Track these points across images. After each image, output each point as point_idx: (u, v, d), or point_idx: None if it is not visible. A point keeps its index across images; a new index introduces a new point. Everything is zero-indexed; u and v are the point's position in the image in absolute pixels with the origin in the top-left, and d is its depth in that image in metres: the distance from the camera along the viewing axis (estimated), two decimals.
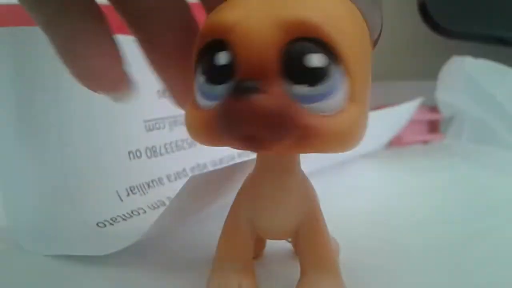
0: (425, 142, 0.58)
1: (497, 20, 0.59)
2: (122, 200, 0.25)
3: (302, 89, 0.13)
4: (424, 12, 0.61)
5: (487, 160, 0.44)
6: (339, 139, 0.14)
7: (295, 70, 0.13)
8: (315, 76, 0.13)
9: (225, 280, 0.17)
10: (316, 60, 0.13)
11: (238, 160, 0.32)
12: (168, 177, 0.28)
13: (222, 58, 0.13)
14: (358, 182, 0.39)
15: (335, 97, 0.13)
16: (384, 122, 0.44)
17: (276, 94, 0.13)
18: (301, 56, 0.13)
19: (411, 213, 0.29)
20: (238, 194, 0.17)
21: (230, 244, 0.17)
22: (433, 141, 0.58)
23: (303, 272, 0.17)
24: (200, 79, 0.14)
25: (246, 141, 0.13)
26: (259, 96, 0.13)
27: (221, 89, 0.14)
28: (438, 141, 0.57)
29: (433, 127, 0.60)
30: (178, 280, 0.19)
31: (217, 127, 0.14)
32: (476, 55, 0.52)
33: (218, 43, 0.14)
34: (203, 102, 0.14)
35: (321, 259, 0.17)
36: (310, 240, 0.17)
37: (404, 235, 0.25)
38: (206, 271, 0.18)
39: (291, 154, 0.15)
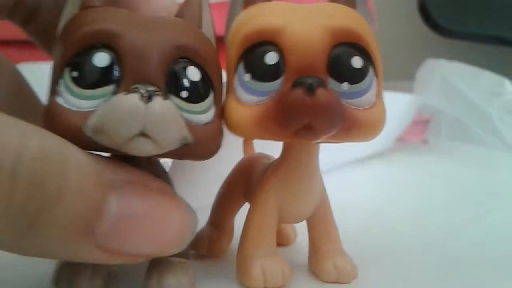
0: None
1: (497, 20, 0.59)
2: None
3: (345, 87, 0.15)
4: (424, 12, 0.62)
5: (465, 157, 0.46)
6: (373, 129, 0.16)
7: (341, 70, 0.15)
8: (358, 76, 0.15)
9: (267, 265, 0.17)
10: (359, 62, 0.15)
11: None
12: None
13: (273, 57, 0.15)
14: (346, 179, 0.39)
15: (369, 94, 0.16)
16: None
17: (329, 90, 0.15)
18: (348, 58, 0.15)
19: (395, 207, 0.31)
20: (266, 185, 0.18)
21: (263, 232, 0.18)
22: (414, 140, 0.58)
23: (315, 249, 0.19)
24: (245, 76, 0.15)
25: (303, 131, 0.15)
26: (322, 91, 0.14)
27: (270, 85, 0.15)
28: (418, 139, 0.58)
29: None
30: None
31: (275, 119, 0.15)
32: (476, 55, 0.52)
33: (265, 45, 0.15)
34: (248, 98, 0.15)
35: (333, 238, 0.19)
36: (323, 222, 0.19)
37: (393, 227, 0.26)
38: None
39: (332, 142, 0.17)
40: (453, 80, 0.49)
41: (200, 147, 0.15)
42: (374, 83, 0.16)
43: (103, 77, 0.14)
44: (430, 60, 0.52)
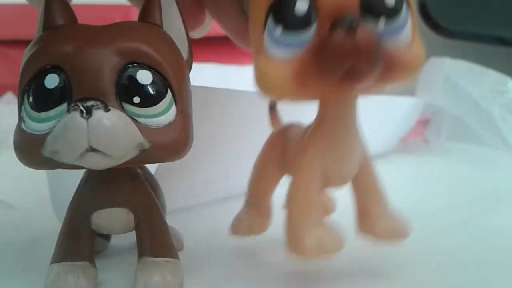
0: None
1: (497, 20, 0.59)
2: None
3: (381, 23, 0.14)
4: (424, 12, 0.62)
5: (465, 157, 0.46)
6: (414, 66, 0.15)
7: (376, 5, 0.14)
8: (393, 9, 0.15)
9: (320, 233, 0.17)
10: None
11: None
12: None
13: (303, 4, 0.14)
14: None
15: (406, 29, 0.15)
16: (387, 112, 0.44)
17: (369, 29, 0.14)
18: None
19: (395, 206, 0.30)
20: (307, 149, 0.17)
21: (311, 201, 0.17)
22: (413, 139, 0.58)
23: (365, 212, 0.19)
24: (277, 30, 0.15)
25: (345, 76, 0.14)
26: (363, 29, 0.14)
27: (304, 35, 0.14)
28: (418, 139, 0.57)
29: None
30: None
31: (316, 68, 0.14)
32: (476, 55, 0.52)
33: None
34: (282, 52, 0.15)
35: (381, 196, 0.19)
36: (369, 181, 0.19)
37: None
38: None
39: (373, 89, 0.16)
40: (457, 78, 0.49)
41: (162, 150, 0.15)
42: (409, 18, 0.15)
43: (54, 98, 0.15)
44: (434, 59, 0.52)
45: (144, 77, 0.15)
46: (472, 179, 0.38)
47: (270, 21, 0.15)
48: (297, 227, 0.17)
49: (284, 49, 0.15)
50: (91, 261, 0.18)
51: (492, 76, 0.48)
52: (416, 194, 0.34)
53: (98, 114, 0.14)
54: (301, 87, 0.15)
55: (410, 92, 0.53)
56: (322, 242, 0.16)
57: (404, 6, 0.15)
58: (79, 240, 0.18)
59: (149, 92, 0.15)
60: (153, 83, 0.15)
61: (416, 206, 0.30)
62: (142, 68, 0.15)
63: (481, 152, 0.46)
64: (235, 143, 0.25)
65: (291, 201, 0.17)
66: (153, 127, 0.15)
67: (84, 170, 0.18)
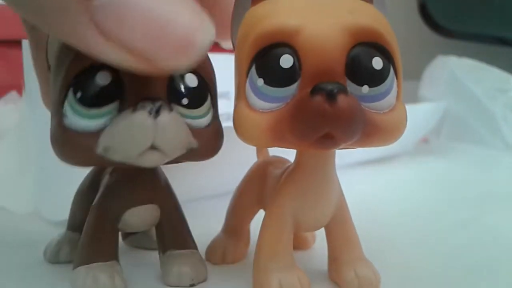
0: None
1: (497, 20, 0.59)
2: None
3: (364, 90, 0.14)
4: (424, 12, 0.62)
5: (465, 157, 0.46)
6: (394, 133, 0.15)
7: (361, 72, 0.14)
8: (378, 78, 0.14)
9: (284, 279, 0.17)
10: (379, 63, 0.14)
11: None
12: None
13: (288, 60, 0.14)
14: (345, 178, 0.39)
15: (389, 96, 0.15)
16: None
17: (350, 96, 0.14)
18: (368, 59, 0.14)
19: (395, 206, 0.31)
20: (281, 193, 0.17)
21: (279, 243, 0.17)
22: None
23: (334, 257, 0.18)
24: (258, 81, 0.14)
25: (322, 140, 0.14)
26: (343, 97, 0.13)
27: (286, 90, 0.14)
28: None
29: None
30: None
31: (292, 128, 0.14)
32: (476, 55, 0.52)
33: (279, 46, 0.14)
34: (261, 104, 0.14)
35: (353, 245, 0.18)
36: (342, 229, 0.18)
37: (391, 227, 0.26)
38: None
39: (350, 148, 0.16)
40: (461, 76, 0.49)
41: (203, 149, 0.16)
42: (395, 84, 0.15)
43: (107, 95, 0.15)
44: (440, 57, 0.52)
45: (192, 80, 0.16)
46: (472, 179, 0.38)
47: (253, 71, 0.14)
48: (263, 270, 0.17)
49: (264, 101, 0.14)
50: (118, 259, 0.18)
51: (495, 74, 0.48)
52: (416, 194, 0.34)
53: (165, 114, 0.14)
54: (277, 141, 0.15)
55: (413, 91, 0.53)
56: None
57: (390, 74, 0.14)
58: (106, 240, 0.18)
59: (196, 94, 0.16)
60: (198, 86, 0.16)
61: (416, 206, 0.31)
62: (189, 71, 0.16)
63: (481, 152, 0.46)
64: (233, 139, 0.25)
65: (260, 243, 0.17)
66: (197, 127, 0.16)
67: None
